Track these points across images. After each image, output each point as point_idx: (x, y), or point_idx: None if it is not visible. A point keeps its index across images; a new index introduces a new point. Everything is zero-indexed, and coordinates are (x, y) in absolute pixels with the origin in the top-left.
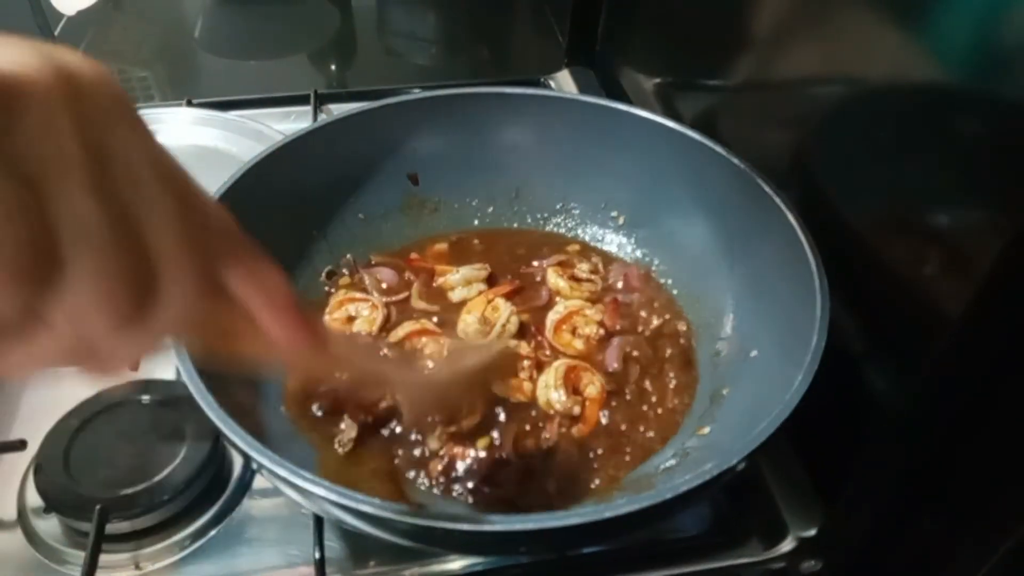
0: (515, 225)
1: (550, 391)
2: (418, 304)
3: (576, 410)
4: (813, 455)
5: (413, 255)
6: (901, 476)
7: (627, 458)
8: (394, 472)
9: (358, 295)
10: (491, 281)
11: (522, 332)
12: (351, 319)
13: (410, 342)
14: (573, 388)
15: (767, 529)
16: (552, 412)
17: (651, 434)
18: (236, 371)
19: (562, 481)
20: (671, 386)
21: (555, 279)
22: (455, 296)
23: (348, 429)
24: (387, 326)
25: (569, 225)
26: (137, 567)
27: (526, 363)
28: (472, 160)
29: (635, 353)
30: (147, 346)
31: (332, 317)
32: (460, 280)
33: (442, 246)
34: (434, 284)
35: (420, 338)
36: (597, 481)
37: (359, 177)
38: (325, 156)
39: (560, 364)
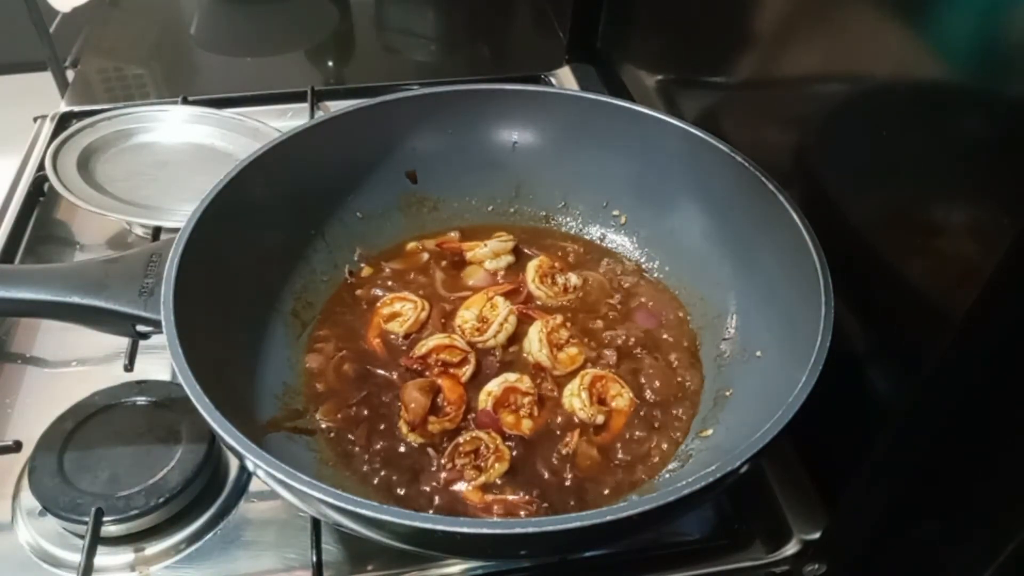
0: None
1: (573, 398)
2: (443, 292)
3: (600, 419)
4: (817, 457)
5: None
6: (905, 478)
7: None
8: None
9: (410, 295)
10: (516, 253)
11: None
12: (395, 315)
13: (436, 355)
14: (599, 398)
15: (771, 532)
16: (576, 419)
17: (662, 446)
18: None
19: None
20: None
21: (532, 273)
22: (488, 267)
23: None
24: (422, 331)
25: (571, 225)
26: (133, 570)
27: (526, 400)
28: (471, 158)
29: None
30: None
31: (381, 312)
32: (488, 253)
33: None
34: (466, 256)
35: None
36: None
37: (357, 175)
38: (322, 154)
39: (587, 373)
